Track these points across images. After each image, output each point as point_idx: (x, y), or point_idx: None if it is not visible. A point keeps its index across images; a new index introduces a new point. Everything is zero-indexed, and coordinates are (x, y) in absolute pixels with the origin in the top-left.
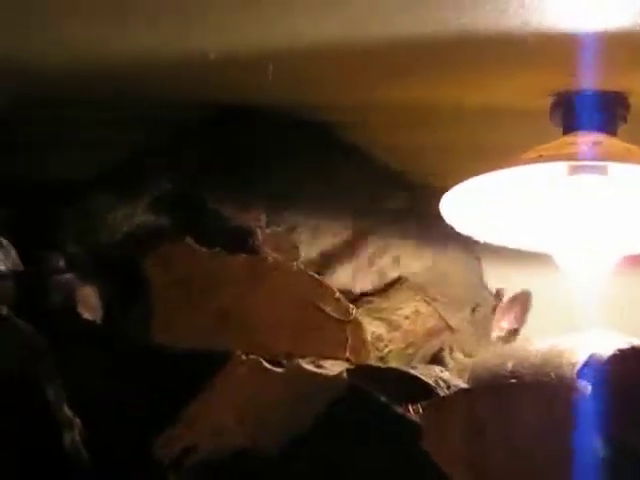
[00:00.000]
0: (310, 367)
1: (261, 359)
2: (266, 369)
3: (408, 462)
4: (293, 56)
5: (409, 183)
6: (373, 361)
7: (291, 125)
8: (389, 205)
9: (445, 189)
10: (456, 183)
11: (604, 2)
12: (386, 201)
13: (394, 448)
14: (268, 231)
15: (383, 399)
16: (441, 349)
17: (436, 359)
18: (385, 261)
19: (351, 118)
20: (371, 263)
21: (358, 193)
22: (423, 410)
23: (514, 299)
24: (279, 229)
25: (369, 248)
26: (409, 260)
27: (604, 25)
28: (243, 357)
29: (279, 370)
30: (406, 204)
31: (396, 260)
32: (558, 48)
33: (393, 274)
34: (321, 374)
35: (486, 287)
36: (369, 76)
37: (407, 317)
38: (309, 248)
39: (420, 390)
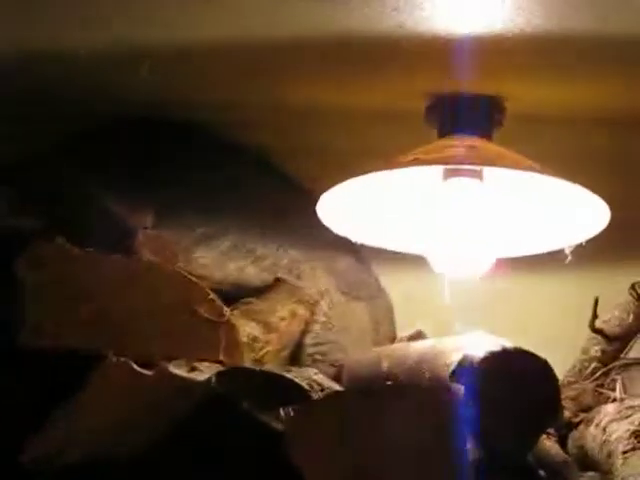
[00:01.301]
0: (181, 370)
1: (131, 362)
2: (135, 372)
3: (266, 471)
4: (168, 55)
5: (290, 183)
6: (248, 363)
7: (181, 128)
8: (273, 206)
9: (322, 191)
10: (333, 185)
11: (479, 6)
12: (270, 202)
13: (251, 457)
14: (150, 233)
15: (245, 405)
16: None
17: None
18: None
19: (232, 118)
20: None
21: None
22: (294, 413)
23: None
24: (161, 232)
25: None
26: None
27: (479, 29)
28: (114, 359)
29: (147, 373)
30: (287, 204)
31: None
32: (433, 51)
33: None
34: (186, 378)
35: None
36: (248, 76)
37: (283, 319)
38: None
39: (293, 393)
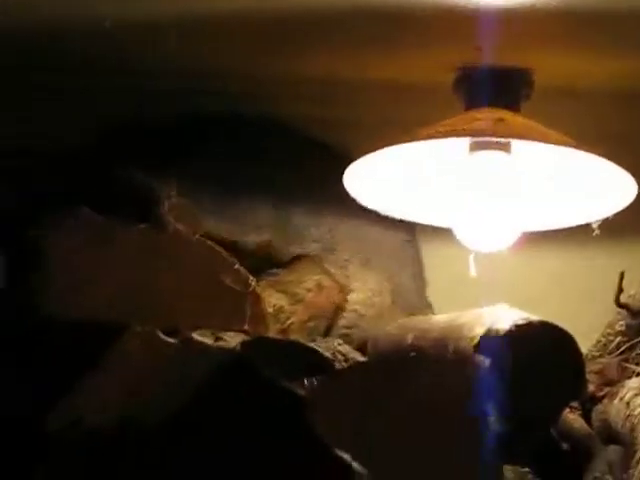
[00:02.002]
0: (206, 339)
1: (157, 330)
2: (159, 340)
3: (289, 434)
4: (192, 25)
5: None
6: (273, 333)
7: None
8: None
9: (350, 162)
10: (360, 156)
11: None
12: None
13: (276, 420)
14: (174, 201)
15: (268, 372)
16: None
17: None
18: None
19: (259, 89)
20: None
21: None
22: (317, 383)
23: None
24: (185, 200)
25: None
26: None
27: (508, 0)
28: (138, 329)
29: (172, 341)
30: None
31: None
32: (462, 22)
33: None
34: (211, 346)
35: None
36: (273, 48)
37: (310, 290)
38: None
39: (317, 363)
